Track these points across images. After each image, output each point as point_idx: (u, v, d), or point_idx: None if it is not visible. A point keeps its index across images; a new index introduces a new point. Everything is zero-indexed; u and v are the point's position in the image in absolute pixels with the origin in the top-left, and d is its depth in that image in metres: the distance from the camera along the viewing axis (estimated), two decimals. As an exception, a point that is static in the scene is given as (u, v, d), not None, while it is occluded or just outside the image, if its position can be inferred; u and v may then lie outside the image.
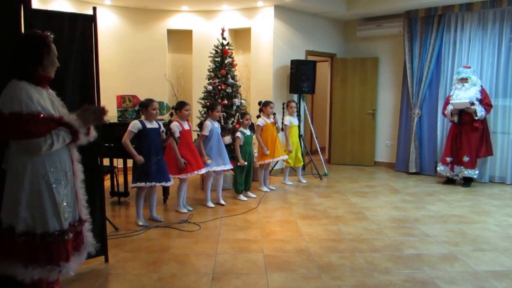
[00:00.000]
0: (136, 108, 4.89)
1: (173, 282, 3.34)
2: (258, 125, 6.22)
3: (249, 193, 6.07)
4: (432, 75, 7.56)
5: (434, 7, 7.37)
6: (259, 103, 6.43)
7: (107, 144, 5.40)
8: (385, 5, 7.60)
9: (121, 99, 5.87)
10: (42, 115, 2.34)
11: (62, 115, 2.51)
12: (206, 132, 5.41)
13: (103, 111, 2.62)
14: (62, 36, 3.16)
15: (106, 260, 3.70)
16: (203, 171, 5.27)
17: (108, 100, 6.02)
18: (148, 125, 4.68)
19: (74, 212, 2.64)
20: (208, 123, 5.45)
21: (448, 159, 6.86)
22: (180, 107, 5.16)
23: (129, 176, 5.84)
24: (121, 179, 5.83)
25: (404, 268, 3.64)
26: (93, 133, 2.69)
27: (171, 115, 5.23)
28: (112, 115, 5.99)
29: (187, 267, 3.64)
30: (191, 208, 5.36)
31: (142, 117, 4.74)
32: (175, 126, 5.03)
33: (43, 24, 2.87)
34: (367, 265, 3.69)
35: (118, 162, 5.95)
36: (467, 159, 6.63)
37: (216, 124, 5.58)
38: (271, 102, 6.39)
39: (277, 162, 7.07)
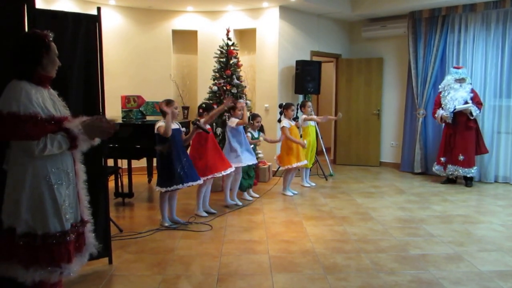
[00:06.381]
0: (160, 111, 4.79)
1: (177, 284, 3.33)
2: (284, 126, 5.98)
3: (252, 193, 6.07)
4: (437, 75, 7.53)
5: (438, 8, 7.35)
6: (280, 106, 6.31)
7: (111, 145, 5.41)
8: (390, 6, 7.59)
9: (126, 99, 5.88)
10: (39, 117, 2.31)
11: (64, 116, 2.48)
12: (233, 124, 5.39)
13: (112, 127, 2.53)
14: (66, 36, 3.15)
15: (110, 261, 3.69)
16: (229, 171, 5.11)
17: (113, 101, 6.09)
18: (172, 126, 4.57)
19: (76, 213, 2.60)
20: (233, 119, 5.44)
21: (442, 159, 6.92)
22: (211, 108, 5.06)
23: (134, 177, 5.86)
24: (125, 180, 5.82)
25: (410, 268, 3.62)
26: (97, 139, 2.61)
27: (199, 116, 5.08)
28: (116, 116, 6.01)
29: (192, 268, 3.63)
30: (215, 211, 5.24)
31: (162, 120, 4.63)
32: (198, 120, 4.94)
33: (47, 24, 2.85)
34: (372, 266, 3.67)
35: (123, 163, 5.95)
36: (462, 157, 6.66)
37: None
38: (292, 105, 6.16)
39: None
